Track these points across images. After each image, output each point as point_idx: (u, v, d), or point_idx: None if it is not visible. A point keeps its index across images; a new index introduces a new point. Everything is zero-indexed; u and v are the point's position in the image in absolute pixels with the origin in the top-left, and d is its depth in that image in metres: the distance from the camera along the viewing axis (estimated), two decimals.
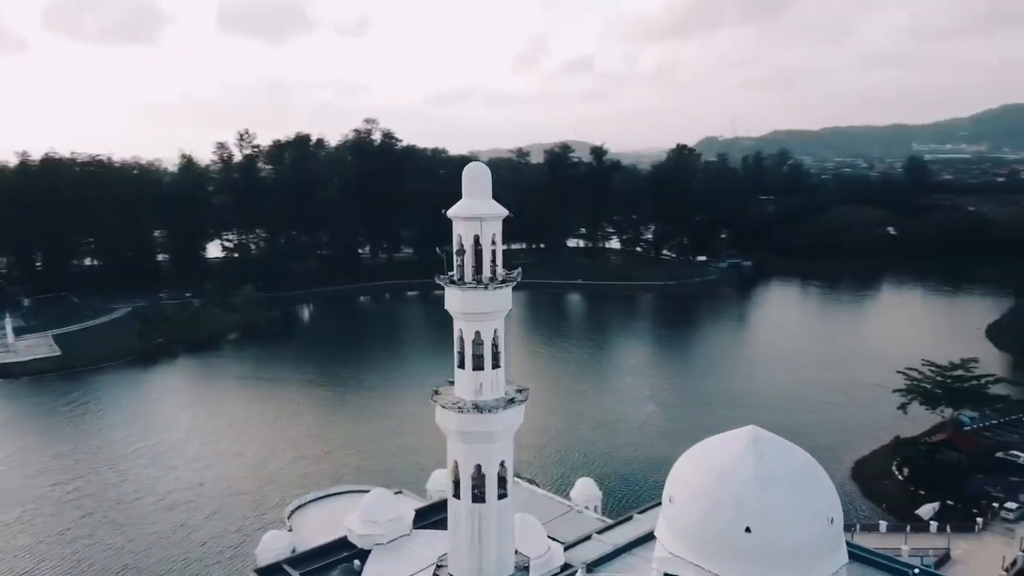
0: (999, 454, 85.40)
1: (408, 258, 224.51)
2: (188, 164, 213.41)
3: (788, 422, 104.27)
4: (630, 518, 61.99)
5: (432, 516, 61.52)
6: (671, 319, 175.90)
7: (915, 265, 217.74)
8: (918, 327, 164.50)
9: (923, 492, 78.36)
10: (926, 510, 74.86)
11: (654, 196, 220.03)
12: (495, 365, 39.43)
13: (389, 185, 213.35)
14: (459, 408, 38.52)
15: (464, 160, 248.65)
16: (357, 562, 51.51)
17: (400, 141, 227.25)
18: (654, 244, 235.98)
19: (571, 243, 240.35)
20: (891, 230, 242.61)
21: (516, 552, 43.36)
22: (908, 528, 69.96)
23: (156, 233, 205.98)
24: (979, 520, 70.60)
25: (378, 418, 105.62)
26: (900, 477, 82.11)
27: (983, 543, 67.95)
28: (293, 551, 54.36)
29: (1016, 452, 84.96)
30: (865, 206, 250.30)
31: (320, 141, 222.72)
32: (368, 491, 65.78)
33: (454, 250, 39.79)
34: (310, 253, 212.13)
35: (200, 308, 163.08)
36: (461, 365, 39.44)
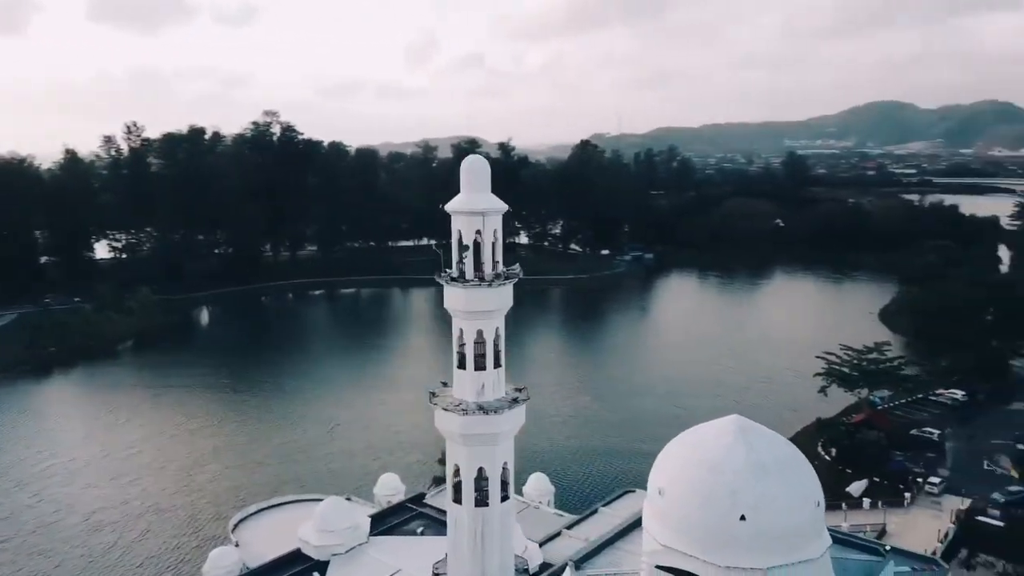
0: (913, 431, 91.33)
1: (311, 255, 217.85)
2: (72, 159, 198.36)
3: (714, 407, 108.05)
4: (596, 511, 62.30)
5: (387, 522, 59.87)
6: (586, 312, 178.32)
7: (802, 255, 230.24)
8: (816, 314, 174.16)
9: (849, 471, 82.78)
10: (856, 487, 79.31)
11: (560, 191, 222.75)
12: (496, 364, 38.47)
13: (291, 180, 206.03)
14: (463, 410, 37.34)
15: (368, 154, 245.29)
16: (316, 574, 49.79)
17: (301, 134, 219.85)
18: (562, 239, 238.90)
19: None
20: (779, 222, 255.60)
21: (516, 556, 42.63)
22: (844, 506, 73.67)
23: (37, 233, 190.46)
24: (907, 495, 75.26)
25: (306, 423, 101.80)
26: (827, 457, 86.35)
27: (913, 517, 72.44)
28: (244, 568, 51.96)
29: (929, 429, 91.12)
30: (755, 199, 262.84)
31: (217, 135, 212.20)
32: (318, 499, 63.48)
33: (454, 246, 38.53)
34: (208, 252, 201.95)
35: (93, 313, 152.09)
36: (462, 365, 38.24)
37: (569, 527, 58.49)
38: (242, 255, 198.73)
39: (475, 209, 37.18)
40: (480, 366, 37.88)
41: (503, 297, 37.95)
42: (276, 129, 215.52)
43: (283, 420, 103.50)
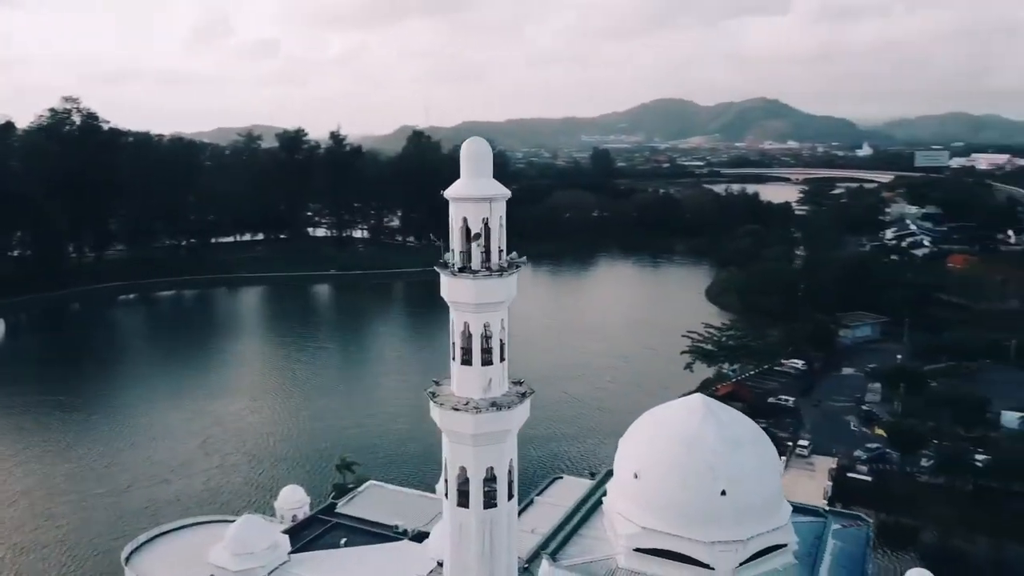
0: (771, 400, 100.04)
1: (121, 256, 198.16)
2: None
3: (592, 388, 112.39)
4: (532, 502, 62.50)
5: (303, 536, 56.96)
6: (433, 304, 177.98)
7: (624, 243, 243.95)
8: (649, 296, 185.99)
9: None
10: None
11: (398, 182, 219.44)
12: (502, 358, 37.39)
13: (95, 173, 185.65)
14: (476, 409, 35.85)
15: (183, 145, 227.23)
16: None
17: (107, 122, 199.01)
18: (400, 231, 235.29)
19: (319, 232, 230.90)
20: (600, 212, 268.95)
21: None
22: None
23: None
24: (782, 459, 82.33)
25: (169, 439, 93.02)
26: None
27: (793, 478, 79.25)
28: None
29: (784, 397, 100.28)
30: (576, 191, 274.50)
31: (10, 124, 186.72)
32: (222, 521, 59.12)
33: (456, 235, 36.81)
34: (2, 256, 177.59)
35: None
36: (467, 361, 36.65)
37: None
38: (44, 257, 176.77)
39: (484, 195, 35.55)
40: (487, 361, 36.61)
41: (510, 287, 36.88)
42: (76, 118, 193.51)
43: (140, 437, 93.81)
